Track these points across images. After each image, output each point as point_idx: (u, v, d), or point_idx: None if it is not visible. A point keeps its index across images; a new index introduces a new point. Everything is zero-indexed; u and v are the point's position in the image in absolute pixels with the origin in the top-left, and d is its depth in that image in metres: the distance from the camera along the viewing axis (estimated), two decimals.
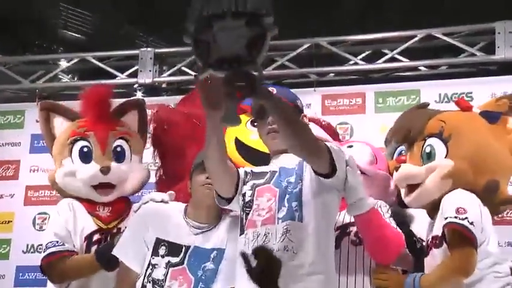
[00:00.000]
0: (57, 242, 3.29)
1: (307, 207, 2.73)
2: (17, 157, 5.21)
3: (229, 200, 2.86)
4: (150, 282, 2.99)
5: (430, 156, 3.03)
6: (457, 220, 2.73)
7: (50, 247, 3.29)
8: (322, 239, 2.73)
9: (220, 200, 2.87)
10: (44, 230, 4.65)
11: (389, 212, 3.05)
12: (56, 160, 3.55)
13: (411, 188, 3.04)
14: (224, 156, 2.74)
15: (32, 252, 4.90)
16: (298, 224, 2.70)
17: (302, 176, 2.79)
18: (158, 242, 3.05)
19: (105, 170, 3.41)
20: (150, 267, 3.02)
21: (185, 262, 3.00)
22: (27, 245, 4.97)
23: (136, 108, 3.71)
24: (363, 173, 3.06)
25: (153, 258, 3.04)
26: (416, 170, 3.02)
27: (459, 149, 2.98)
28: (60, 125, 3.61)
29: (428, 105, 3.38)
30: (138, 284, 3.00)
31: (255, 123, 3.14)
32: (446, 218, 2.77)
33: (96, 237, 3.35)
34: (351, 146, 3.32)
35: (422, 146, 3.07)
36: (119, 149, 3.54)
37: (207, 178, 2.99)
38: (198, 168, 3.07)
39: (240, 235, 2.82)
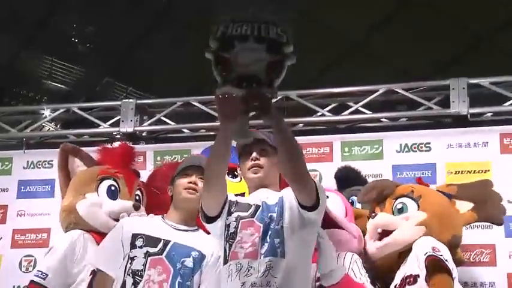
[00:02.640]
0: (47, 276, 3.38)
1: (288, 243, 2.77)
2: (5, 202, 5.25)
3: (211, 220, 2.88)
4: (129, 275, 2.99)
5: (402, 211, 3.32)
6: (435, 253, 2.99)
7: (38, 275, 3.40)
8: (303, 273, 2.82)
9: (204, 218, 2.89)
10: (30, 272, 4.81)
11: (363, 266, 3.15)
12: (75, 193, 3.66)
13: (383, 234, 3.25)
14: (225, 169, 2.81)
15: None
16: (281, 259, 2.74)
17: (283, 213, 2.83)
18: (134, 236, 3.06)
19: (137, 206, 3.57)
20: (129, 260, 3.02)
21: (164, 253, 3.01)
22: (13, 286, 4.96)
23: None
24: (339, 226, 3.17)
25: (131, 251, 3.03)
26: (393, 218, 3.30)
27: (429, 205, 3.31)
28: (77, 168, 3.80)
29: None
30: (119, 280, 3.01)
31: (234, 175, 3.37)
32: (425, 254, 2.98)
33: None
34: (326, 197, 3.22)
35: (393, 203, 3.34)
36: (137, 197, 3.73)
37: (190, 183, 3.08)
38: (182, 172, 3.14)
39: (224, 265, 2.84)
